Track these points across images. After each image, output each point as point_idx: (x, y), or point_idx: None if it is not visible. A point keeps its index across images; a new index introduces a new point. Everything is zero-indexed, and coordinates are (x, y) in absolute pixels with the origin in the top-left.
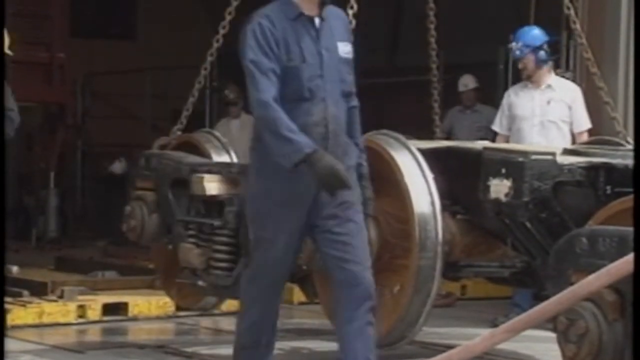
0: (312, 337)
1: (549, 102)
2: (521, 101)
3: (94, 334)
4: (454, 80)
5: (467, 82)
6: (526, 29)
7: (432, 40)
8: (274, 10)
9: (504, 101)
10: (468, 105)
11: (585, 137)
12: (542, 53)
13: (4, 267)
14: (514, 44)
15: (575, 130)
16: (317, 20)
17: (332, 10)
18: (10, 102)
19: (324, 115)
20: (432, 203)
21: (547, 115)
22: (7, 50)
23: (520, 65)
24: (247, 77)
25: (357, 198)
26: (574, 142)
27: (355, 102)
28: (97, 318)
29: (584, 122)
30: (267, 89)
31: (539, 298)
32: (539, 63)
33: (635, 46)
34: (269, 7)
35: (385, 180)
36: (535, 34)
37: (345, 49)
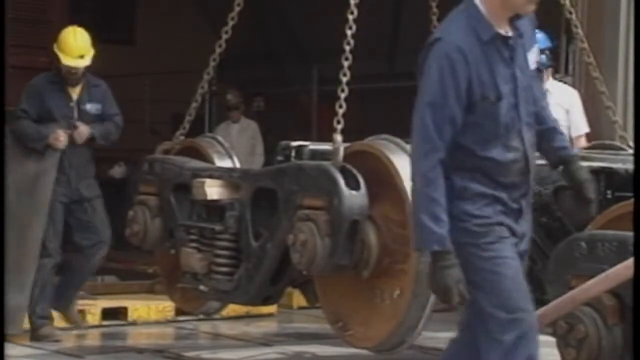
0: (313, 341)
1: None
2: None
3: (93, 339)
4: None
5: None
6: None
7: None
8: (464, 34)
9: None
10: None
11: (583, 141)
12: (543, 57)
13: (5, 269)
14: None
15: (573, 134)
16: (510, 38)
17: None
18: (115, 107)
19: (522, 149)
20: None
21: None
22: None
23: None
24: (417, 120)
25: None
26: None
27: (550, 116)
28: (96, 322)
29: (582, 126)
30: (435, 150)
31: (538, 302)
32: (540, 66)
33: (635, 50)
34: (455, 25)
35: (384, 185)
36: (539, 37)
37: (533, 58)
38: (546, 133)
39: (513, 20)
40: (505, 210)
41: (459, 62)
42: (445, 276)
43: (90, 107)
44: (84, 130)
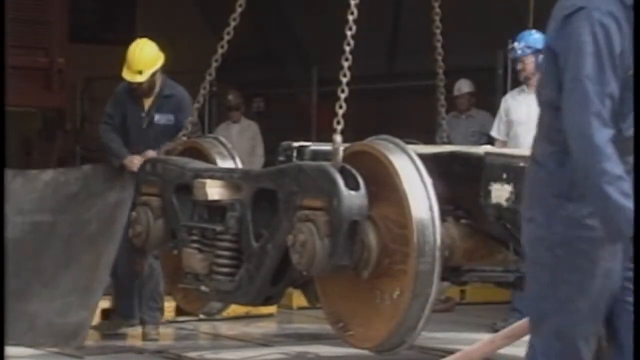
0: (313, 341)
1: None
2: (518, 106)
3: (92, 339)
4: (452, 85)
5: (460, 87)
6: (530, 31)
7: (439, 45)
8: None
9: (502, 107)
10: (462, 109)
11: None
12: (542, 57)
13: (5, 270)
14: (515, 44)
15: None
16: None
17: None
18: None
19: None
20: (431, 208)
21: (531, 123)
22: None
23: (519, 66)
24: (573, 97)
25: None
26: None
27: None
28: (96, 323)
29: None
30: (604, 126)
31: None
32: (538, 66)
33: (635, 50)
34: None
35: (384, 185)
36: (538, 37)
37: None
38: None
39: None
40: None
41: (614, 30)
42: None
43: (159, 118)
44: (151, 156)
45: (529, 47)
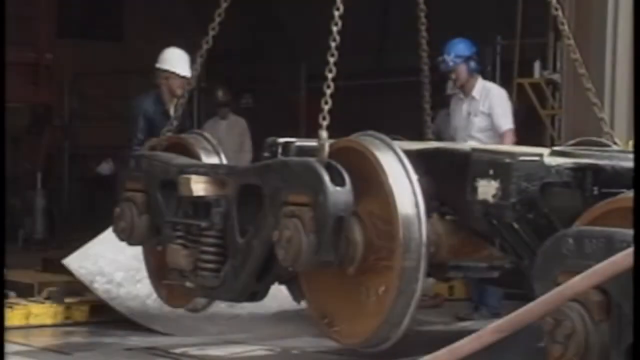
0: (300, 337)
1: (469, 115)
2: (459, 112)
3: (81, 336)
4: (441, 81)
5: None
6: (455, 40)
7: (424, 41)
8: None
9: (447, 110)
10: None
11: (509, 138)
12: (472, 63)
13: (4, 268)
14: (445, 56)
15: (499, 132)
16: None
17: None
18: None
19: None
20: (416, 204)
21: (468, 129)
22: None
23: (453, 76)
24: None
25: None
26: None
27: None
28: (84, 319)
29: (504, 124)
30: None
31: (525, 299)
32: (471, 72)
33: (635, 50)
34: None
35: (369, 182)
36: (465, 45)
37: None
38: None
39: None
40: None
41: None
42: None
43: None
44: None
45: (459, 57)
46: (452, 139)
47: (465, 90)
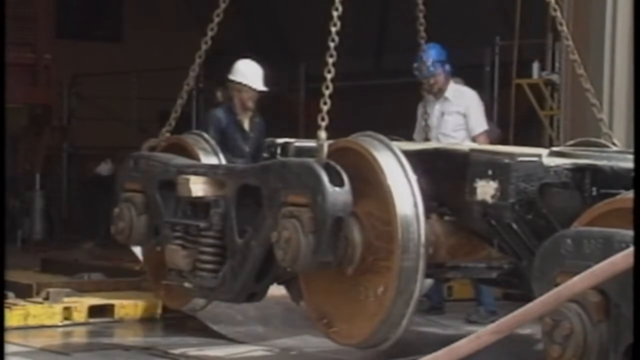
0: (298, 337)
1: (442, 114)
2: (430, 111)
3: (79, 336)
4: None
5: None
6: (430, 45)
7: (422, 42)
8: None
9: (420, 112)
10: None
11: (482, 139)
12: (447, 66)
13: (4, 269)
14: (425, 64)
15: (472, 134)
16: None
17: None
18: None
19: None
20: (415, 204)
21: (441, 127)
22: None
23: (432, 81)
24: None
25: None
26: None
27: None
28: (83, 320)
29: (478, 125)
30: None
31: (523, 299)
32: (447, 75)
33: (635, 50)
34: None
35: (368, 182)
36: (440, 49)
37: None
38: None
39: None
40: None
41: None
42: None
43: None
44: None
45: (437, 62)
46: (426, 138)
47: (440, 94)
